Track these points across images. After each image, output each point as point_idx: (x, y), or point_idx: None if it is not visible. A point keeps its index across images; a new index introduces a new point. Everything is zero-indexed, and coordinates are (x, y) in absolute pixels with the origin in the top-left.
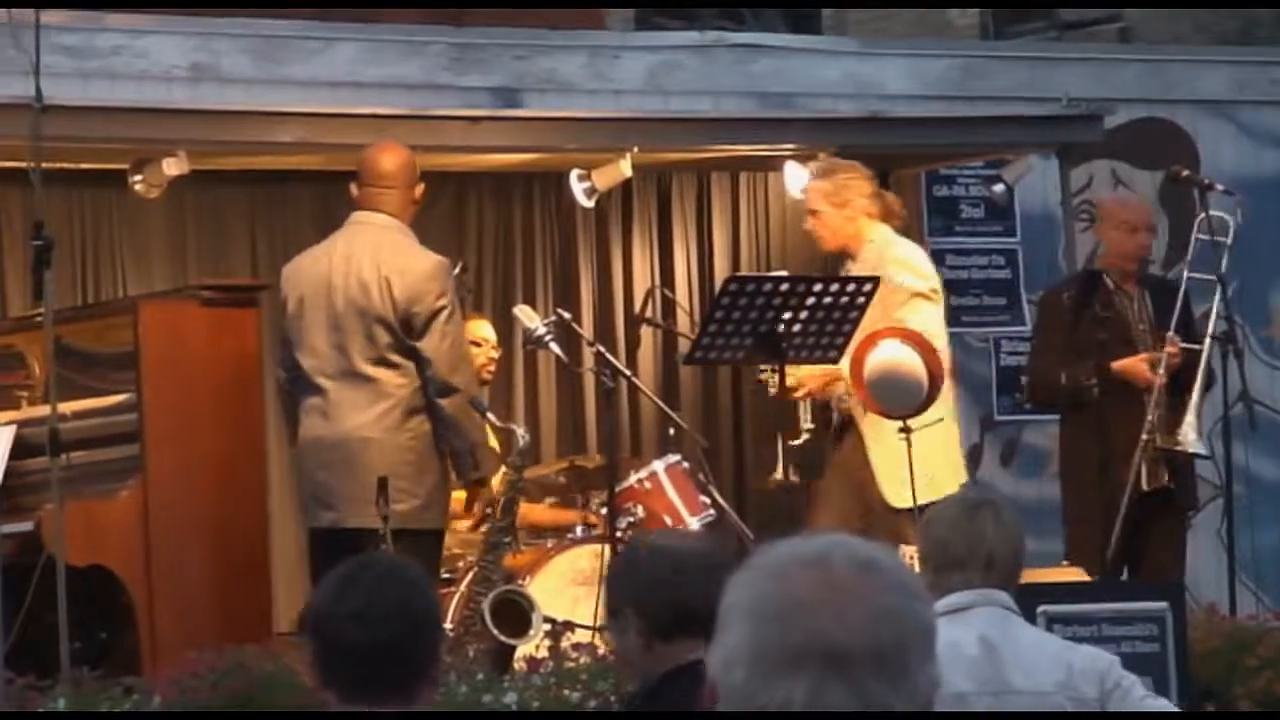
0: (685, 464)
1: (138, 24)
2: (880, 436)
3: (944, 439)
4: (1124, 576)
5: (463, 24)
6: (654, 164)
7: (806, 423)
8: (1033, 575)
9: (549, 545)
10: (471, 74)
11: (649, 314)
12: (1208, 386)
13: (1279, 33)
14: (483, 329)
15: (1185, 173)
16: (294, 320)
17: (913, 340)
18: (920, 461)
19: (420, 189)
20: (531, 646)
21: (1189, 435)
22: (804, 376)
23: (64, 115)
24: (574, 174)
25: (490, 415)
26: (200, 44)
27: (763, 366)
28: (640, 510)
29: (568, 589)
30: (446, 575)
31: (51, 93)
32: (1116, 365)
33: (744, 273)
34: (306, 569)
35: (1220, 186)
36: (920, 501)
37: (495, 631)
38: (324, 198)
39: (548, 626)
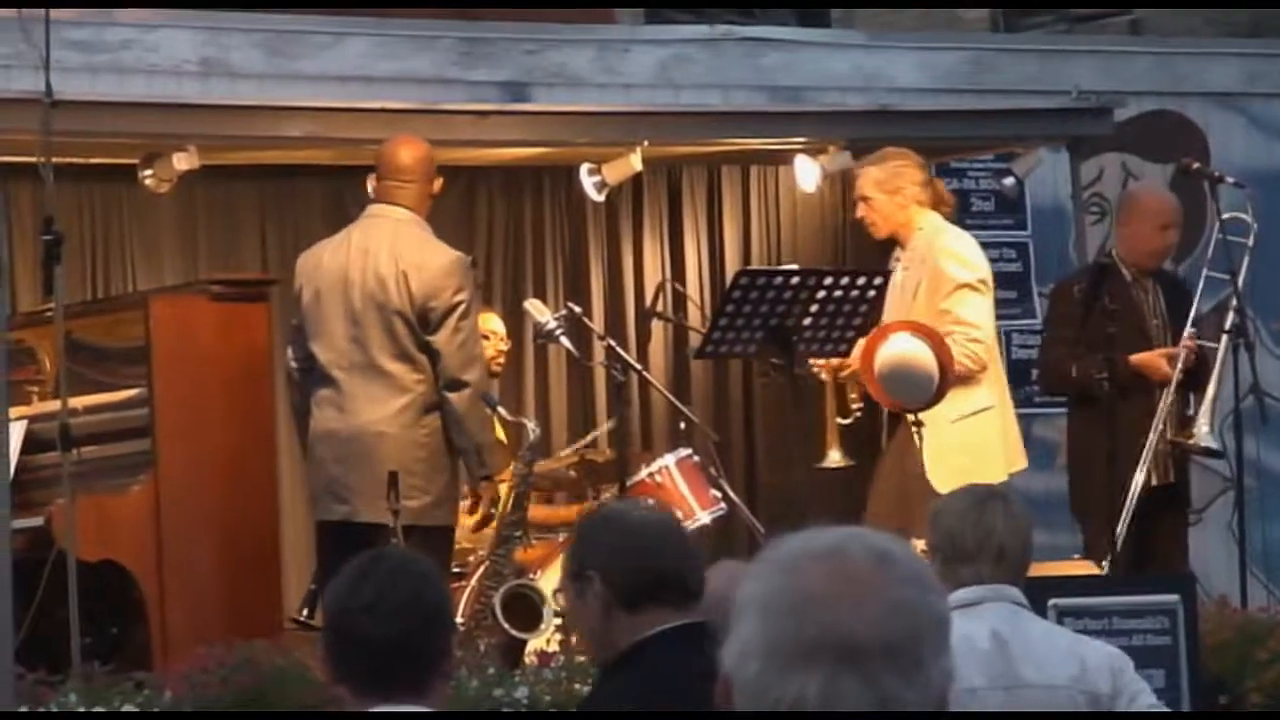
0: (696, 458)
1: (148, 18)
2: (925, 421)
3: (995, 427)
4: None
5: (472, 18)
6: (664, 158)
7: (857, 402)
8: (1043, 568)
9: (560, 539)
10: (481, 68)
11: (659, 308)
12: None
13: None
14: (491, 322)
15: (1196, 165)
16: (309, 311)
17: (924, 333)
18: (968, 450)
19: (438, 183)
20: (543, 641)
21: (1203, 430)
22: (853, 356)
23: (74, 110)
24: (584, 168)
25: (501, 409)
26: (210, 38)
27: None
28: (651, 504)
29: None
30: (457, 570)
31: (61, 87)
32: (1135, 359)
33: (755, 266)
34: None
35: (1231, 179)
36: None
37: (506, 626)
38: (334, 192)
39: (559, 621)
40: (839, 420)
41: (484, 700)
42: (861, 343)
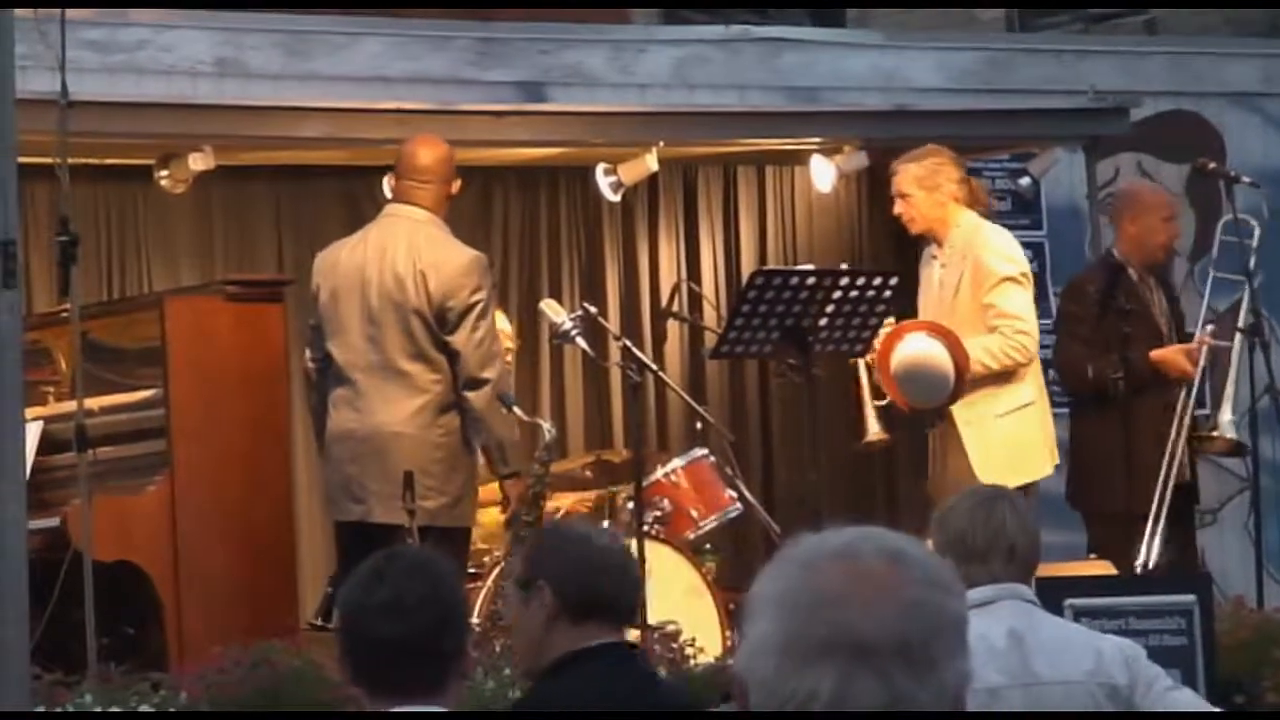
0: (712, 458)
1: (163, 19)
2: (972, 418)
3: (1038, 422)
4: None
5: (488, 19)
6: (680, 158)
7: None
8: (1059, 568)
9: None
10: (497, 69)
11: (675, 308)
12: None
13: None
14: (499, 322)
15: (1212, 165)
16: (326, 311)
17: (939, 333)
18: (1014, 444)
19: (457, 184)
20: None
21: (1225, 418)
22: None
23: (89, 111)
24: (600, 168)
25: (517, 409)
26: (226, 39)
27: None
28: (667, 504)
29: None
30: (472, 570)
31: (77, 88)
32: (1155, 355)
33: (770, 266)
34: (333, 563)
35: (1247, 179)
36: (1009, 485)
37: None
38: (350, 192)
39: None
40: (876, 403)
41: (499, 701)
42: (878, 343)
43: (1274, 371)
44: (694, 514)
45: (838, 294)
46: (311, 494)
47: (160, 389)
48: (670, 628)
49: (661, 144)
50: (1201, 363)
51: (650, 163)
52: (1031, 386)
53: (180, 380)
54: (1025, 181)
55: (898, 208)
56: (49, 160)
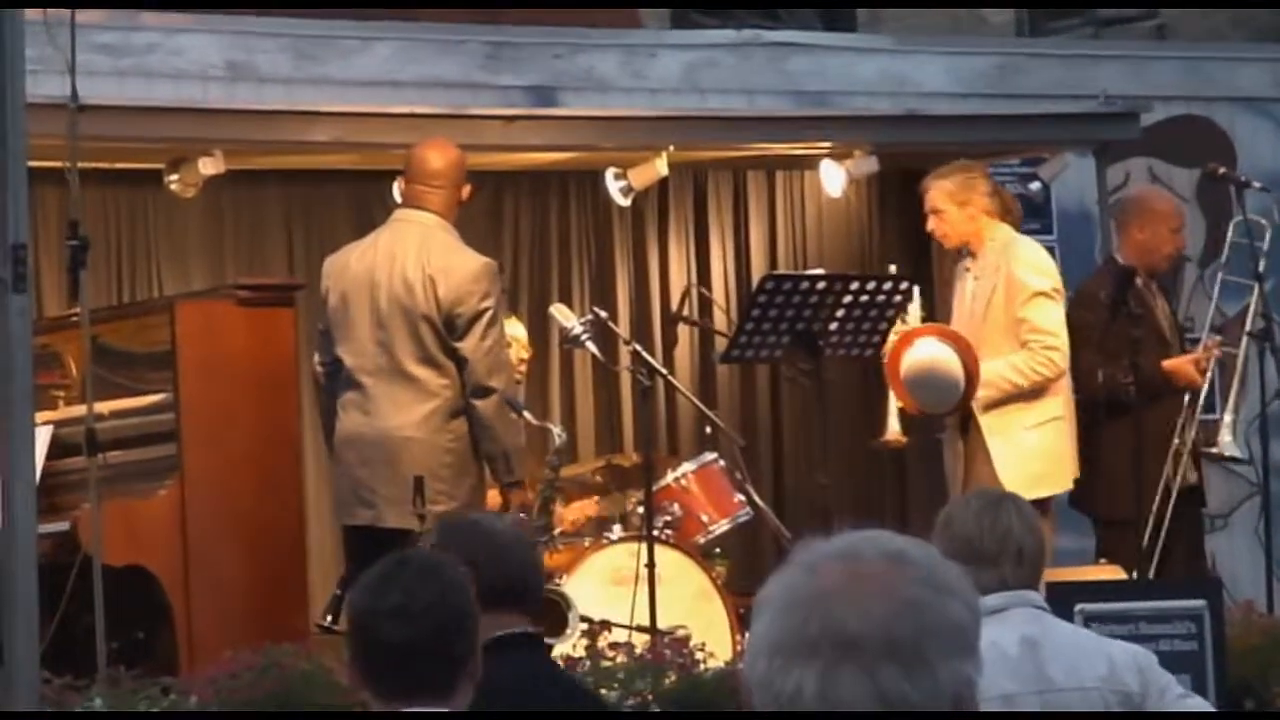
0: (722, 462)
1: (174, 23)
2: (999, 429)
3: (1063, 436)
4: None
5: (499, 23)
6: (690, 162)
7: None
8: (1069, 573)
9: (585, 544)
10: (508, 73)
11: (686, 312)
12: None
13: None
14: (513, 328)
15: (1222, 170)
16: (335, 315)
17: (950, 338)
18: (1042, 457)
19: (468, 189)
20: (568, 645)
21: (1225, 438)
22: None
23: (100, 115)
24: (610, 172)
25: (527, 414)
26: (237, 43)
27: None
28: (677, 508)
29: (604, 588)
30: None
31: (88, 92)
32: (1168, 364)
33: (781, 271)
34: (343, 567)
35: (1257, 184)
36: (1031, 497)
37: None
38: (360, 197)
39: (584, 625)
40: (899, 403)
41: None
42: (889, 348)
43: None
44: (704, 518)
45: (848, 298)
46: (322, 498)
47: (170, 393)
48: (680, 632)
49: (672, 148)
50: (1210, 373)
51: (660, 167)
52: (1061, 401)
53: (190, 384)
54: (1035, 186)
55: (930, 223)
56: (59, 164)
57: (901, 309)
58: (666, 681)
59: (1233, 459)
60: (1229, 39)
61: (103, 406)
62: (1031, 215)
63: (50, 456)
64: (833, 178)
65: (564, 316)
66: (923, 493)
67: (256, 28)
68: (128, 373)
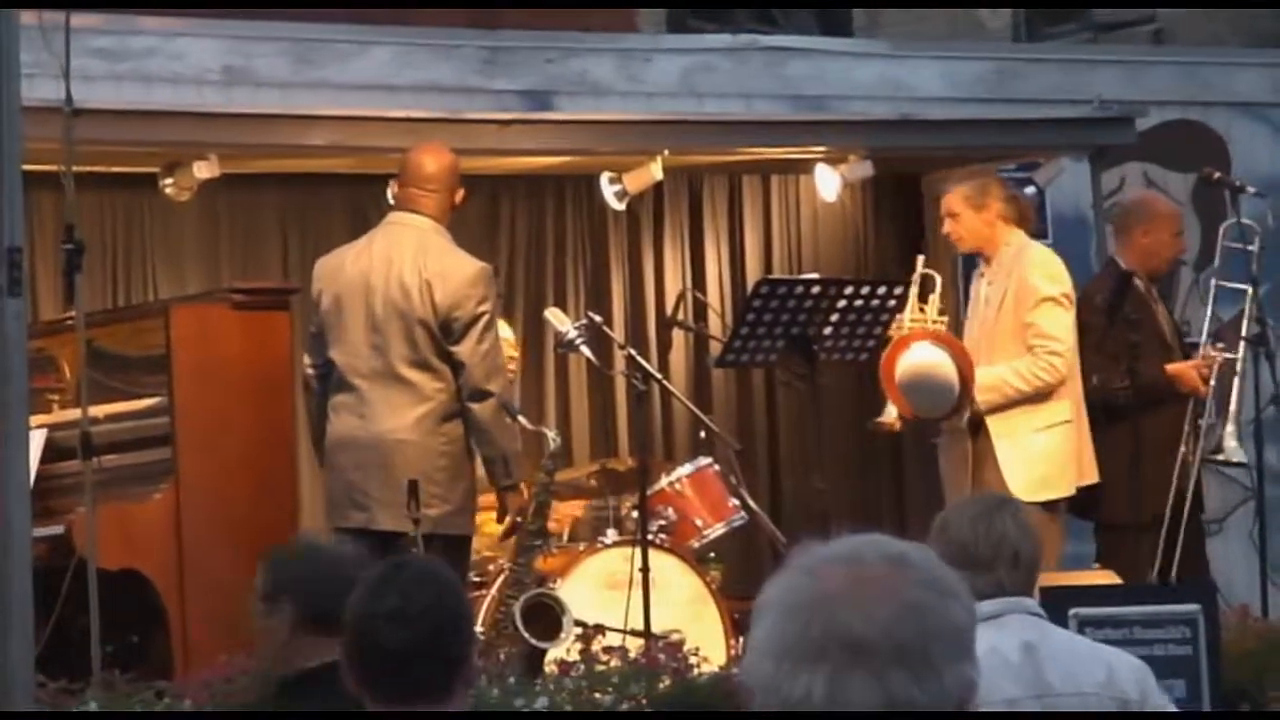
0: (716, 467)
1: (171, 26)
2: (1007, 432)
3: (1071, 440)
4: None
5: (495, 27)
6: (685, 166)
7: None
8: (1063, 578)
9: (580, 548)
10: (503, 77)
11: (680, 317)
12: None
13: None
14: (503, 330)
15: (1218, 175)
16: (329, 317)
17: (945, 342)
18: (1048, 460)
19: (461, 193)
20: (563, 650)
21: (1230, 444)
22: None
23: (95, 119)
24: (605, 177)
25: (521, 418)
26: (233, 47)
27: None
28: (671, 513)
29: (599, 592)
30: (477, 579)
31: (84, 95)
32: (1172, 370)
33: (776, 275)
34: None
35: (1252, 189)
36: (1039, 500)
37: (527, 635)
38: (356, 201)
39: (579, 630)
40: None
41: (504, 709)
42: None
43: (1279, 381)
44: (699, 523)
45: (843, 302)
46: (316, 502)
47: (165, 397)
48: (675, 637)
49: (667, 152)
50: (1212, 380)
51: (656, 171)
52: (1070, 404)
53: (185, 388)
54: (1031, 191)
55: (946, 227)
56: (55, 168)
57: (899, 309)
58: (661, 686)
59: (1239, 464)
60: (1227, 44)
61: (97, 410)
62: None
63: (45, 460)
64: (827, 182)
65: (559, 321)
66: (919, 497)
67: (253, 32)
68: (123, 376)
